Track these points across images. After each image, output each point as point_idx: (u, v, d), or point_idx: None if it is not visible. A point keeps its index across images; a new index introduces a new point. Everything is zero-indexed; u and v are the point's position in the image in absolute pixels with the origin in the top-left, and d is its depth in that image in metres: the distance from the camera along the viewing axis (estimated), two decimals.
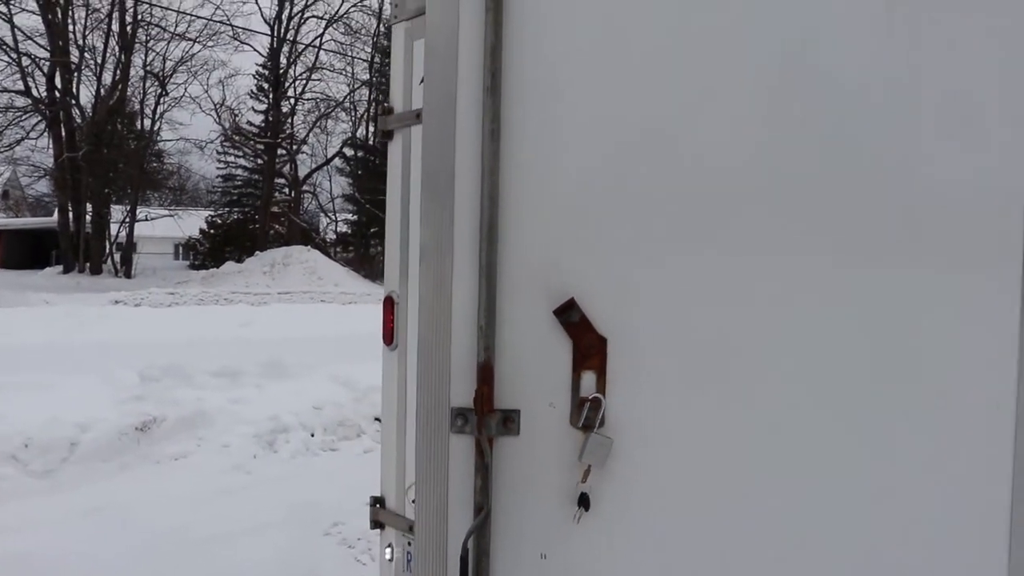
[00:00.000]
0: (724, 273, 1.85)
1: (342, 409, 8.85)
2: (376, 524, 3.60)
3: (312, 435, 8.35)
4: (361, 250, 47.73)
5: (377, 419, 8.52)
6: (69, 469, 7.12)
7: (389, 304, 3.51)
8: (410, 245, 3.34)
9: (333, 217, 53.02)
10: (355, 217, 49.49)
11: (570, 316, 1.83)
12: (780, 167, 1.85)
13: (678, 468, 1.88)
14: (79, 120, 40.61)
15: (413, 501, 2.99)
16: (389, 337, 3.50)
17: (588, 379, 1.83)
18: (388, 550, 3.57)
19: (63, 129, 39.30)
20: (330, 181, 51.52)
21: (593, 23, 1.86)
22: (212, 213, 48.69)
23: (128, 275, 40.49)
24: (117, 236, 42.65)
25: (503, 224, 1.84)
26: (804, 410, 1.85)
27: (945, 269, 1.86)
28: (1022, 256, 1.83)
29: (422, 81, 3.10)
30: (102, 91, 41.05)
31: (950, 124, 1.85)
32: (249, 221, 46.89)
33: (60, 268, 39.96)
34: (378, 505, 3.59)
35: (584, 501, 1.82)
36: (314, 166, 50.12)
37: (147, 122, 43.97)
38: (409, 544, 3.39)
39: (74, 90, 40.52)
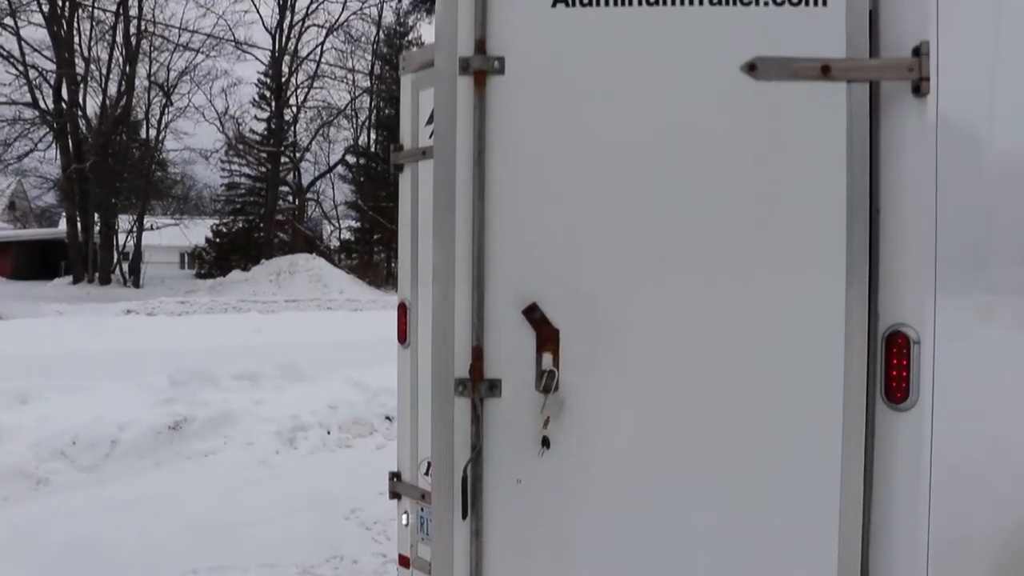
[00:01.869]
0: (638, 283, 2.67)
1: (356, 408, 9.53)
2: (394, 495, 4.33)
3: (328, 432, 9.01)
4: (365, 256, 48.12)
5: (388, 418, 9.22)
6: (111, 464, 7.77)
7: (403, 309, 4.25)
8: (419, 260, 4.10)
9: (337, 224, 53.40)
10: (358, 224, 49.88)
11: (534, 314, 2.65)
12: (673, 204, 2.68)
13: (609, 418, 2.68)
14: (85, 131, 41.17)
15: (426, 474, 3.71)
16: (403, 337, 4.25)
17: (547, 358, 2.65)
18: (404, 516, 4.30)
19: (70, 140, 39.79)
20: (333, 188, 52.01)
21: (555, 117, 2.70)
22: (217, 222, 48.99)
23: (137, 285, 40.96)
24: (124, 246, 43.16)
25: (488, 253, 2.68)
26: (690, 374, 2.66)
27: (788, 269, 2.65)
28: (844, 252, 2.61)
29: (428, 122, 3.86)
30: (108, 102, 41.61)
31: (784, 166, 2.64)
32: (254, 229, 47.24)
33: (69, 279, 40.37)
34: (395, 479, 4.33)
35: (546, 442, 2.63)
36: (317, 174, 50.56)
37: (152, 132, 44.56)
38: (423, 511, 4.12)
39: (80, 101, 41.07)
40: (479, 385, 2.65)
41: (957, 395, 2.73)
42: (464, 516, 2.65)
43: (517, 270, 2.68)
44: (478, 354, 2.66)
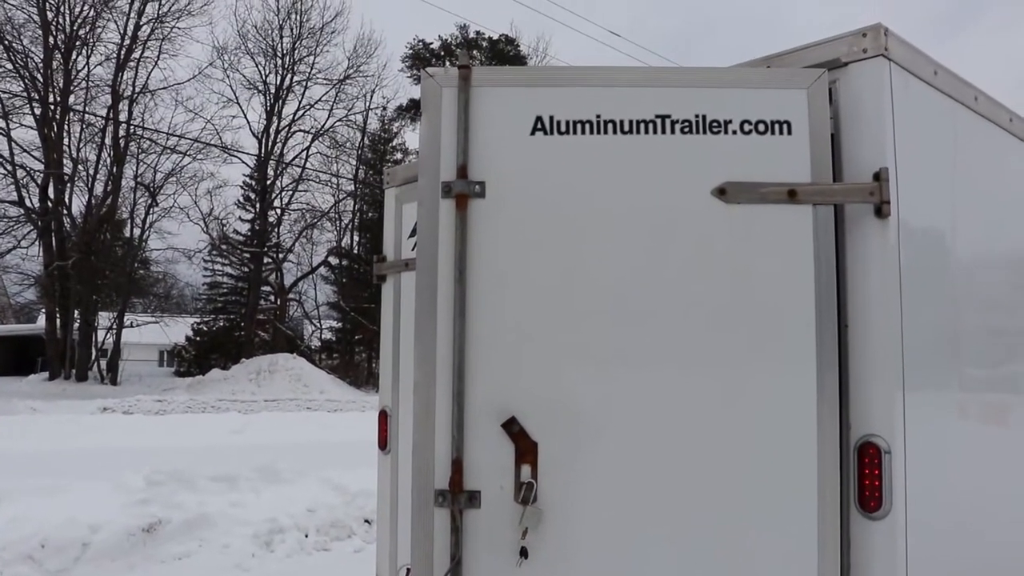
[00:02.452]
0: (615, 396, 2.75)
1: (334, 511, 9.40)
2: None
3: (306, 536, 8.88)
4: (346, 356, 47.91)
5: (367, 520, 9.11)
6: (81, 568, 7.55)
7: (383, 417, 4.31)
8: (400, 368, 4.17)
9: (318, 324, 53.40)
10: (340, 324, 49.88)
11: (512, 428, 2.74)
12: (647, 320, 2.78)
13: (587, 527, 2.73)
14: (69, 229, 41.32)
15: None
16: (384, 443, 4.30)
17: (525, 469, 2.72)
18: None
19: (53, 238, 39.89)
20: (315, 289, 52.18)
21: (533, 238, 2.85)
22: (198, 320, 48.93)
23: (114, 382, 40.46)
24: (103, 343, 42.86)
25: (467, 369, 2.78)
26: (665, 486, 2.73)
27: (761, 382, 2.74)
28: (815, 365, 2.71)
29: (411, 235, 3.99)
30: (93, 201, 41.87)
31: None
32: (235, 328, 47.07)
33: (46, 375, 39.89)
34: None
35: (524, 552, 2.67)
36: (300, 274, 50.76)
37: (136, 231, 44.74)
38: None
39: (66, 200, 41.33)
40: (458, 497, 2.71)
41: (930, 502, 2.80)
42: None
43: (496, 384, 2.77)
44: (458, 466, 2.72)
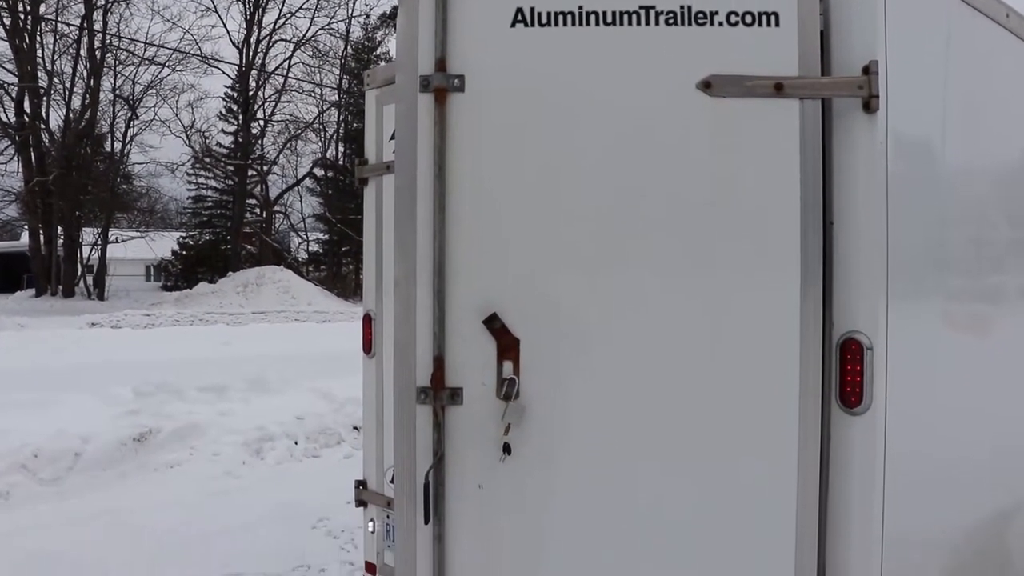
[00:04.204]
0: (597, 292, 2.75)
1: (323, 419, 9.53)
2: (360, 503, 4.38)
3: (296, 443, 9.01)
4: (333, 268, 48.01)
5: (355, 428, 9.21)
6: (74, 477, 7.68)
7: (367, 321, 4.30)
8: (384, 272, 4.15)
9: (304, 237, 53.31)
10: (326, 236, 49.76)
11: (494, 324, 2.71)
12: (630, 216, 2.75)
13: (569, 424, 2.74)
14: (48, 144, 40.69)
15: (392, 482, 3.75)
16: (368, 347, 4.30)
17: (507, 366, 2.71)
18: (370, 524, 4.34)
19: (32, 153, 39.32)
20: (301, 201, 51.83)
21: (514, 133, 2.78)
22: (183, 234, 48.73)
23: (101, 297, 40.46)
24: (89, 259, 42.67)
25: (449, 264, 2.74)
26: (648, 381, 2.73)
27: (745, 277, 2.73)
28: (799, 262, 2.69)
29: (392, 137, 3.91)
30: (71, 115, 41.15)
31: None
32: (221, 242, 46.93)
33: (32, 292, 39.84)
34: (361, 487, 4.37)
35: (507, 448, 2.69)
36: (285, 187, 50.42)
37: (117, 145, 44.12)
38: (389, 518, 4.16)
39: (43, 114, 40.62)
40: (440, 393, 2.71)
41: (910, 399, 2.82)
42: (427, 521, 2.69)
43: (477, 280, 2.74)
44: (439, 363, 2.71)
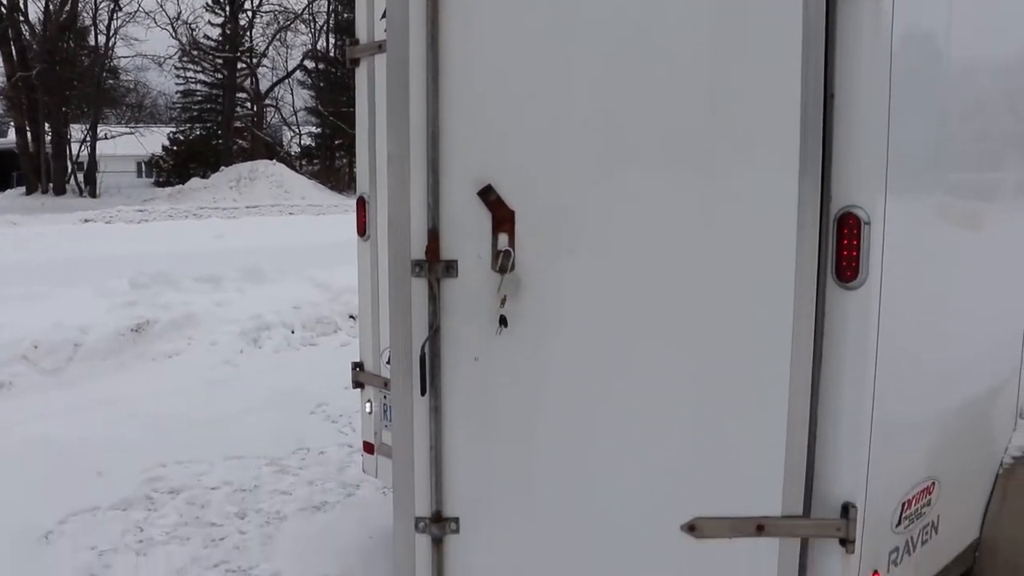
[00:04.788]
0: (593, 166, 2.70)
1: (319, 308, 9.57)
2: (357, 384, 4.43)
3: (292, 332, 9.08)
4: (327, 162, 47.62)
5: (352, 316, 9.26)
6: (74, 367, 7.78)
7: (361, 204, 4.26)
8: (376, 154, 4.08)
9: (297, 130, 52.64)
10: (319, 130, 49.20)
11: (489, 196, 2.66)
12: (628, 90, 2.68)
13: (565, 298, 2.73)
14: (29, 37, 39.68)
15: (388, 363, 3.77)
16: (362, 230, 4.27)
17: (503, 238, 2.67)
18: (368, 404, 4.40)
19: (13, 47, 38.43)
20: (292, 94, 51.04)
21: (506, 2, 2.67)
22: (174, 130, 48.14)
23: (93, 194, 40.19)
24: (78, 156, 42.20)
25: (443, 137, 2.67)
26: (644, 254, 2.71)
27: (742, 151, 2.68)
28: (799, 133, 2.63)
29: (383, 17, 3.79)
30: (52, 7, 40.06)
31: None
32: (212, 137, 46.50)
33: (22, 190, 39.57)
34: (358, 368, 4.41)
35: (503, 321, 2.67)
36: (275, 80, 49.60)
37: (101, 39, 43.11)
38: (385, 399, 4.20)
39: (21, 6, 39.51)
40: (435, 266, 2.68)
41: (905, 276, 2.81)
42: (423, 392, 2.71)
43: (472, 152, 2.68)
44: (434, 236, 2.67)
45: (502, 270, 2.64)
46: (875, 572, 2.94)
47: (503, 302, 2.65)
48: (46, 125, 39.24)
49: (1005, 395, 3.78)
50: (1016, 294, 3.72)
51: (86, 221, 23.49)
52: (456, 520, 2.82)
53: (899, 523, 3.05)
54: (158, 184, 45.62)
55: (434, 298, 2.68)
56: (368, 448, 4.41)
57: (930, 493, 3.22)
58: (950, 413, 3.38)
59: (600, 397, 2.76)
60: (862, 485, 2.75)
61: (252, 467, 5.83)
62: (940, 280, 3.10)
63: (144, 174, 52.97)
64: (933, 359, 3.15)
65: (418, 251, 2.68)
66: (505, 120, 2.70)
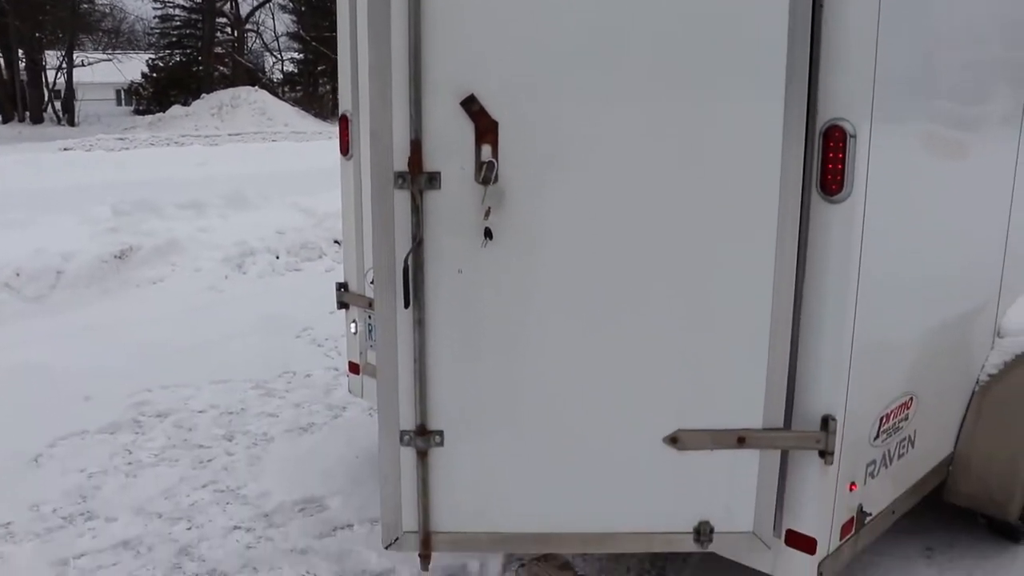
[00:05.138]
0: (578, 76, 2.65)
1: (303, 233, 9.52)
2: (341, 305, 4.42)
3: (277, 257, 9.04)
4: (310, 89, 46.85)
5: (336, 241, 9.22)
6: (58, 294, 7.74)
7: (344, 122, 4.20)
8: (359, 70, 4.00)
9: (279, 56, 51.65)
10: (301, 56, 48.30)
11: (472, 106, 2.62)
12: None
13: (548, 210, 2.71)
14: None
15: (372, 283, 3.76)
16: (345, 148, 4.22)
17: (486, 150, 2.64)
18: (352, 325, 4.40)
19: None
20: (273, 19, 50.03)
21: None
22: (153, 56, 47.11)
23: (71, 123, 39.51)
24: (55, 83, 41.35)
25: (424, 47, 2.62)
26: (628, 165, 2.69)
27: (726, 61, 2.64)
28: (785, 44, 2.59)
29: None
30: None
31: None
32: (192, 63, 45.45)
33: None
34: (343, 289, 4.40)
35: (488, 233, 2.66)
36: (255, 3, 48.37)
37: None
38: (370, 319, 4.20)
39: None
40: (418, 178, 2.65)
41: (890, 192, 2.80)
42: (407, 305, 2.70)
43: (454, 62, 2.63)
44: (416, 147, 2.63)
45: (485, 181, 2.61)
46: (852, 484, 3.00)
47: (487, 214, 2.63)
48: (19, 52, 38.30)
49: (984, 315, 3.81)
50: (999, 218, 3.73)
51: (65, 150, 23.07)
52: (440, 433, 2.85)
53: (877, 436, 3.09)
54: (138, 112, 44.81)
55: (417, 210, 2.66)
56: (353, 369, 4.43)
57: (908, 408, 3.26)
58: (930, 330, 3.41)
59: (585, 310, 2.77)
60: (842, 398, 2.78)
61: (238, 391, 5.87)
62: (924, 200, 3.10)
63: (124, 102, 52.04)
64: (915, 277, 3.16)
65: (400, 163, 2.65)
66: (488, 29, 2.64)
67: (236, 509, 4.30)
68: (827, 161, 2.68)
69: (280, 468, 4.72)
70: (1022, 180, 3.78)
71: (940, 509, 3.86)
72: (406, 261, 2.65)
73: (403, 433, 2.84)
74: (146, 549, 3.92)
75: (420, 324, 2.74)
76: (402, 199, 2.67)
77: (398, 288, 2.69)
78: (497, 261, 2.70)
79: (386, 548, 2.96)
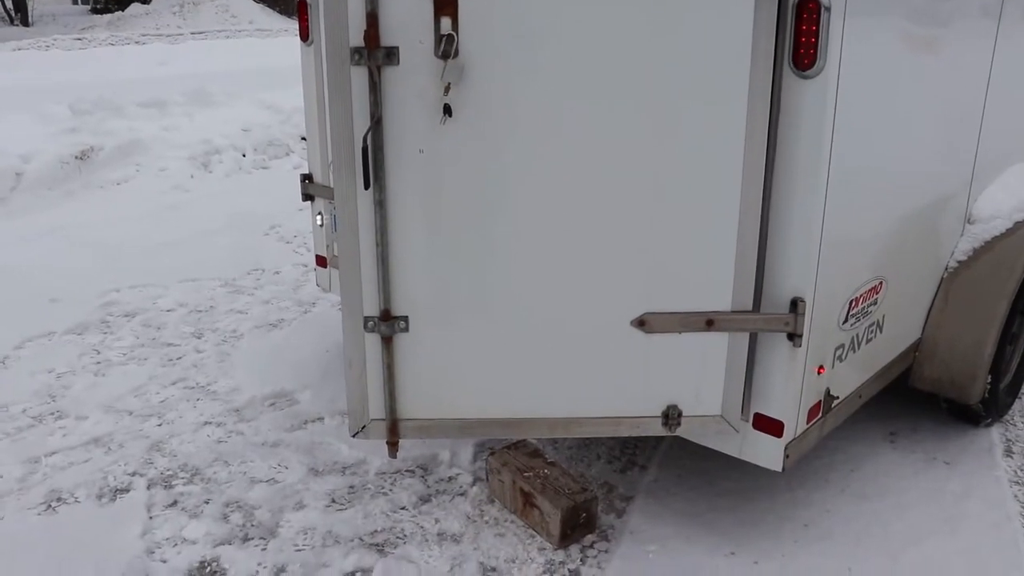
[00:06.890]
0: None
1: (270, 130, 9.30)
2: (307, 197, 4.33)
3: (244, 155, 8.84)
4: None
5: (303, 138, 9.03)
6: (19, 197, 7.52)
7: (303, 6, 4.03)
8: None
9: None
10: None
11: None
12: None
13: (511, 88, 2.61)
14: None
15: None
16: (305, 34, 4.07)
17: (445, 22, 2.51)
18: (319, 217, 4.32)
19: None
20: None
21: None
22: None
23: (25, 23, 38.08)
24: None
25: None
26: (593, 47, 2.59)
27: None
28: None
29: None
30: None
31: None
32: None
33: None
34: (307, 181, 4.30)
35: (447, 110, 2.56)
36: None
37: None
38: (335, 209, 4.12)
39: None
40: (375, 53, 2.52)
41: (864, 71, 2.73)
42: (367, 186, 2.62)
43: None
44: (373, 21, 2.50)
45: (445, 56, 2.50)
46: (820, 367, 3.01)
47: (447, 90, 2.52)
48: None
49: (955, 203, 3.79)
50: (973, 105, 3.67)
51: (18, 50, 22.30)
52: (405, 319, 2.81)
53: (846, 320, 3.09)
54: (96, 11, 43.13)
55: (375, 87, 2.55)
56: (320, 262, 4.37)
57: (877, 292, 3.26)
58: (901, 215, 3.38)
59: (550, 191, 2.70)
60: (811, 280, 2.76)
61: (206, 289, 5.81)
62: (899, 82, 3.03)
63: (81, 1, 50.22)
64: (887, 160, 3.11)
65: (356, 37, 2.52)
66: None
67: (206, 405, 4.29)
68: (800, 34, 2.59)
69: (250, 364, 4.70)
70: (998, 68, 3.70)
71: (904, 396, 3.91)
72: (365, 140, 2.55)
73: (367, 319, 2.79)
74: (117, 446, 3.91)
75: (381, 206, 2.66)
76: (359, 76, 2.55)
77: (357, 169, 2.60)
78: (459, 140, 2.61)
79: (353, 436, 2.95)
